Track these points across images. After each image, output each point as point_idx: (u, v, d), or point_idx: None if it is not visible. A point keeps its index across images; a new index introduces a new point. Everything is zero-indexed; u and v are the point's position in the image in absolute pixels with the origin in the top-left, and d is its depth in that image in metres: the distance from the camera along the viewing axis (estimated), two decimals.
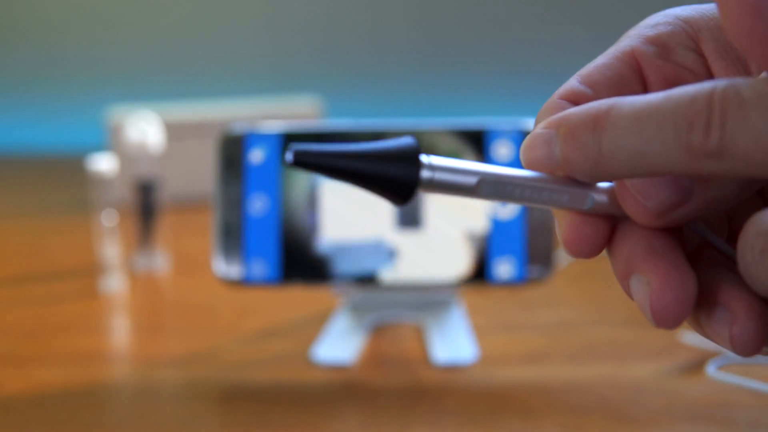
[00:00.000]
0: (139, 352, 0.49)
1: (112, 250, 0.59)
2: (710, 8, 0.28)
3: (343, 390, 0.43)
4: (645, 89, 0.27)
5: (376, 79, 1.13)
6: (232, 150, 0.48)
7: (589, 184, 0.22)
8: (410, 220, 0.47)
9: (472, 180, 0.21)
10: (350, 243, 0.47)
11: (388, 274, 0.47)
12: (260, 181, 0.48)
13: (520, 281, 0.46)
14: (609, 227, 0.23)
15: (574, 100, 0.26)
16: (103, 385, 0.44)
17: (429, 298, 0.51)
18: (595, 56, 0.29)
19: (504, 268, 0.46)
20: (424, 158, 0.20)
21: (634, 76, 0.27)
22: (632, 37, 0.28)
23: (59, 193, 0.89)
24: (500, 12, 1.11)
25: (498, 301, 0.56)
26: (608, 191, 0.22)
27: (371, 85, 1.13)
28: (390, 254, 0.47)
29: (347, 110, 1.08)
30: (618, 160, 0.21)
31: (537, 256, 0.46)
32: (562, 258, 0.62)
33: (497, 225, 0.46)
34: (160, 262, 0.65)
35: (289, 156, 0.19)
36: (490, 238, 0.46)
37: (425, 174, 0.20)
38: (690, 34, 0.28)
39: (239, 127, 0.49)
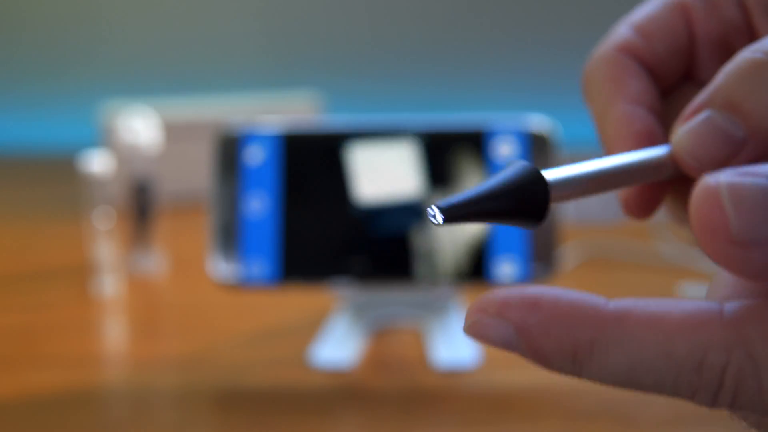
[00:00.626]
0: (134, 354, 0.49)
1: (106, 250, 0.59)
2: None
3: (342, 394, 0.43)
4: (693, 42, 0.27)
5: (376, 73, 1.13)
6: (229, 150, 0.48)
7: (663, 154, 0.23)
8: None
9: (589, 185, 0.21)
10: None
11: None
12: (257, 182, 0.47)
13: (522, 281, 0.46)
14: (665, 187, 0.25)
15: (633, 52, 0.26)
16: (97, 389, 0.44)
17: (429, 299, 0.51)
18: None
19: (505, 268, 0.46)
20: (548, 178, 0.20)
21: (683, 28, 0.27)
22: None
23: (51, 193, 0.89)
24: (502, 6, 1.11)
25: None
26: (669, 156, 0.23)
27: (371, 80, 1.12)
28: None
29: (347, 105, 1.07)
30: (603, 382, 0.19)
31: (539, 255, 0.46)
32: (566, 259, 0.62)
33: (498, 225, 0.46)
34: (155, 263, 0.64)
35: (438, 218, 0.20)
36: (491, 237, 0.46)
37: (553, 194, 0.21)
38: None
39: (236, 127, 0.48)
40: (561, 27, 1.11)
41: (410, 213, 0.47)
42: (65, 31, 1.09)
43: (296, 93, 0.90)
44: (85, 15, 1.09)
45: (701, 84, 0.28)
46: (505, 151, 0.47)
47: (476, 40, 1.13)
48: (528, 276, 0.46)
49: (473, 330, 0.19)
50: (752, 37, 0.27)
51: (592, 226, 0.66)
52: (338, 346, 0.47)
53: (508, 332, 0.19)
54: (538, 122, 0.47)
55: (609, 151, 0.26)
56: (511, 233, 0.46)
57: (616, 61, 0.26)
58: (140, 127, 0.63)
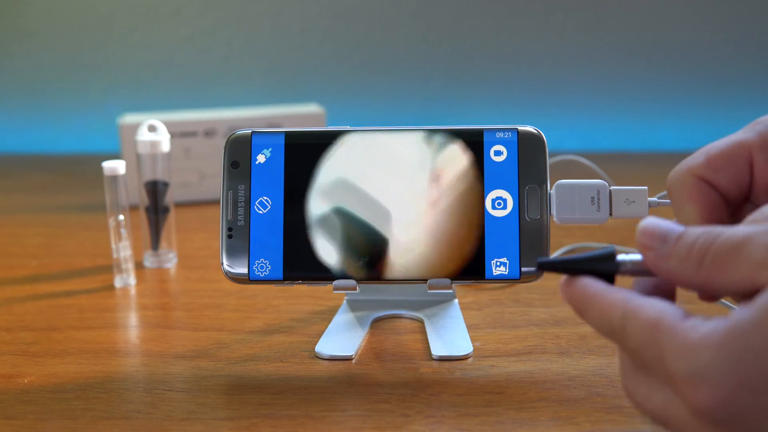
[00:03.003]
0: (149, 346, 0.51)
1: (124, 248, 0.61)
2: None
3: (345, 383, 0.45)
4: (752, 178, 0.35)
5: (379, 89, 1.15)
6: (239, 151, 0.49)
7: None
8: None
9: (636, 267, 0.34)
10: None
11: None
12: (266, 181, 0.49)
13: (514, 278, 0.47)
14: None
15: (702, 178, 0.35)
16: (115, 378, 0.46)
17: (428, 296, 0.53)
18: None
19: (499, 266, 0.47)
20: (619, 260, 0.34)
21: (745, 166, 0.35)
22: (754, 131, 0.35)
23: (75, 195, 0.91)
24: (500, 21, 1.12)
25: (493, 298, 0.57)
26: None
27: (374, 95, 1.15)
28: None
29: (353, 118, 1.10)
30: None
31: (531, 253, 0.47)
32: (557, 254, 0.63)
33: (492, 223, 0.47)
34: (170, 259, 0.66)
35: (536, 271, 0.38)
36: (485, 235, 0.47)
37: (620, 270, 0.34)
38: None
39: (246, 129, 0.50)
40: (558, 43, 1.13)
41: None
42: (93, 53, 1.16)
43: (301, 107, 0.92)
44: (112, 40, 1.16)
45: (757, 206, 0.36)
46: (499, 158, 0.48)
47: (476, 56, 1.14)
48: (520, 273, 0.47)
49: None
50: None
51: (588, 226, 0.68)
52: (341, 338, 0.49)
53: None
54: (533, 131, 0.49)
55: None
56: (506, 233, 0.47)
57: (686, 181, 0.36)
58: (156, 135, 0.65)
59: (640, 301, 0.30)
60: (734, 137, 0.36)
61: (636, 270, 0.34)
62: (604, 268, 0.33)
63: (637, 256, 0.34)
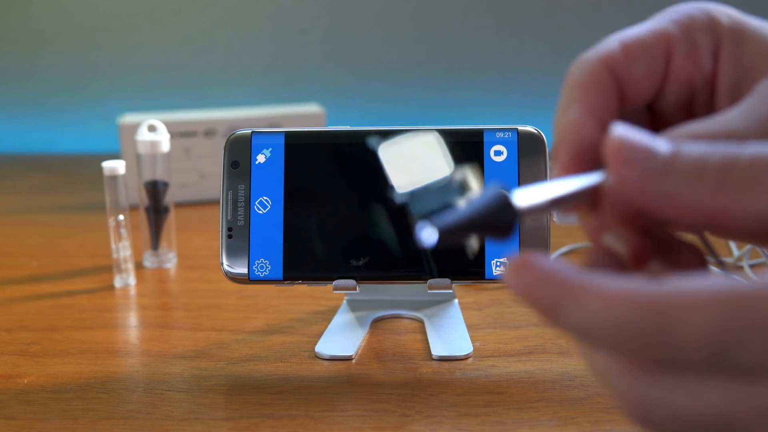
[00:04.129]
0: (149, 346, 0.51)
1: (124, 248, 0.61)
2: (745, 21, 0.30)
3: (345, 383, 0.45)
4: (666, 75, 0.29)
5: (381, 86, 1.15)
6: (239, 151, 0.50)
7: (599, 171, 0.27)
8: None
9: (551, 206, 0.26)
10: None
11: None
12: (266, 181, 0.49)
13: None
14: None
15: (612, 66, 0.29)
16: (115, 378, 0.46)
17: (429, 296, 0.53)
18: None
19: (499, 265, 0.47)
20: (515, 201, 0.25)
21: (663, 59, 0.29)
22: (672, 21, 0.30)
23: (75, 195, 0.91)
24: (500, 21, 1.12)
25: (493, 298, 0.57)
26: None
27: (376, 92, 1.15)
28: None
29: (352, 118, 1.10)
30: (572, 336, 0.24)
31: (532, 249, 0.47)
32: (557, 253, 0.63)
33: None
34: (170, 259, 0.66)
35: (430, 239, 0.24)
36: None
37: (519, 211, 0.25)
38: (715, 36, 0.29)
39: (246, 129, 0.50)
40: (558, 37, 1.13)
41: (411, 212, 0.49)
42: (94, 55, 1.16)
43: (301, 107, 0.92)
44: (113, 42, 1.16)
45: (657, 114, 0.31)
46: (499, 158, 0.48)
47: (476, 56, 1.14)
48: None
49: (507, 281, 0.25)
50: (711, 94, 0.29)
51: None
52: (341, 338, 0.49)
53: (514, 287, 0.24)
54: (532, 132, 0.49)
55: (553, 151, 0.28)
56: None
57: (594, 69, 0.29)
58: (156, 135, 0.66)
59: (682, 283, 0.22)
60: (651, 26, 0.30)
61: (566, 201, 0.26)
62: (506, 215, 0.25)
63: (580, 181, 0.26)
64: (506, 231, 0.25)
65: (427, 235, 0.24)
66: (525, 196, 0.25)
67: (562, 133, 0.28)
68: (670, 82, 0.30)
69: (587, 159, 0.27)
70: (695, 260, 0.27)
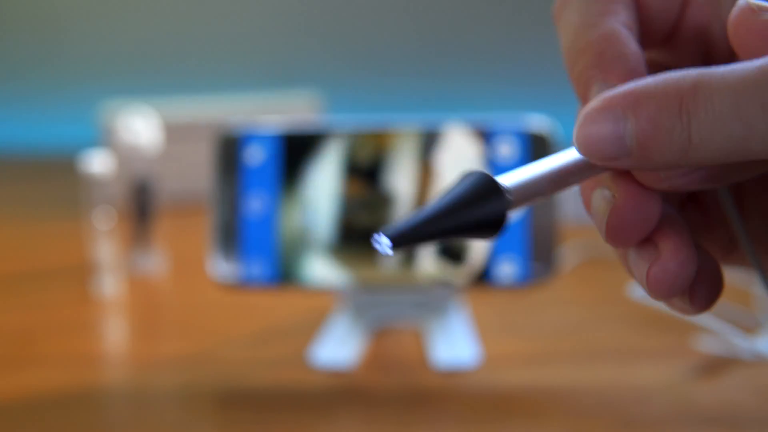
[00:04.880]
0: (135, 354, 0.49)
1: (106, 250, 0.59)
2: None
3: (342, 394, 0.43)
4: (682, 15, 0.25)
5: (376, 72, 1.13)
6: (229, 150, 0.48)
7: None
8: None
9: (545, 187, 0.21)
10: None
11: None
12: (257, 182, 0.48)
13: (522, 282, 0.46)
14: (658, 209, 0.21)
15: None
16: (98, 389, 0.44)
17: (428, 299, 0.51)
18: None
19: (505, 268, 0.46)
20: (504, 186, 0.20)
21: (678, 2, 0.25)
22: None
23: (51, 192, 0.89)
24: (504, 5, 1.11)
25: (502, 303, 0.55)
26: None
27: (372, 78, 1.12)
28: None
29: (347, 105, 1.07)
30: (712, 149, 0.18)
31: (539, 255, 0.45)
32: (568, 260, 0.62)
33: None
34: (156, 263, 0.64)
35: (385, 247, 0.19)
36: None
37: (509, 200, 0.20)
38: None
39: (236, 128, 0.48)
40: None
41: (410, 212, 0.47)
42: (66, 29, 1.09)
43: (297, 92, 0.90)
44: (85, 14, 1.09)
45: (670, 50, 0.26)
46: (506, 151, 0.46)
47: (477, 39, 1.13)
48: (528, 276, 0.46)
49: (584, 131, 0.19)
50: (731, 53, 0.23)
51: (591, 225, 0.66)
52: (338, 346, 0.47)
53: (616, 113, 0.19)
54: (538, 122, 0.47)
55: (581, 76, 0.23)
56: (511, 233, 0.46)
57: (614, 35, 0.23)
58: (140, 126, 0.63)
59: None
60: None
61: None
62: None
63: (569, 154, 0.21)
64: (495, 227, 0.20)
65: (381, 246, 0.19)
66: (515, 177, 0.20)
67: (597, 49, 0.22)
68: (684, 25, 0.25)
69: (640, 73, 0.22)
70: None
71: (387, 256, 0.19)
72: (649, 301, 0.50)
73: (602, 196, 0.21)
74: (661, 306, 0.51)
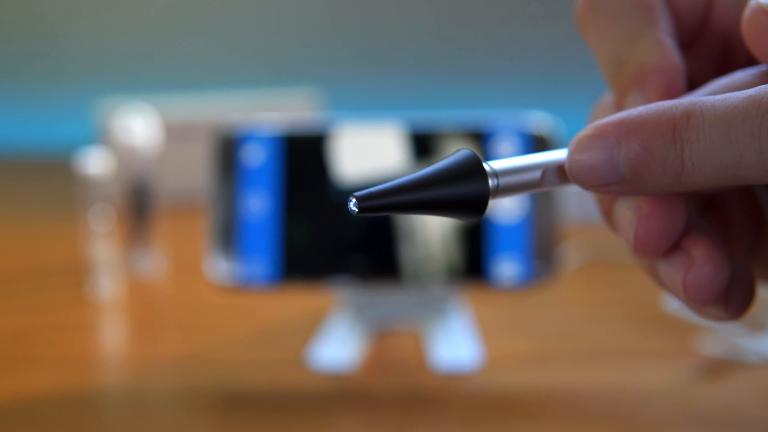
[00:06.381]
0: (132, 355, 0.48)
1: (103, 251, 0.58)
2: None
3: (342, 396, 0.42)
4: (705, 21, 0.24)
5: (375, 69, 1.12)
6: (227, 150, 0.48)
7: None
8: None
9: (537, 175, 0.20)
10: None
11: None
12: (255, 182, 0.47)
13: (522, 282, 0.45)
14: (684, 216, 0.21)
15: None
16: (95, 390, 0.43)
17: (428, 300, 0.50)
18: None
19: (506, 267, 0.45)
20: (488, 168, 0.19)
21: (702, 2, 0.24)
22: None
23: (48, 192, 0.88)
24: (503, 4, 1.11)
25: (503, 304, 0.55)
26: None
27: (371, 76, 1.12)
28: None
29: (347, 102, 1.06)
30: (704, 174, 0.19)
31: (540, 254, 0.45)
32: (568, 260, 0.61)
33: (499, 224, 0.45)
34: (154, 263, 0.64)
35: (353, 206, 0.19)
36: (490, 235, 0.45)
37: (493, 183, 0.19)
38: None
39: (234, 127, 0.48)
40: (562, 22, 1.11)
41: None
42: (62, 26, 1.08)
43: (296, 89, 0.90)
44: (82, 11, 1.08)
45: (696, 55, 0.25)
46: (506, 150, 0.46)
47: (477, 36, 1.12)
48: (529, 275, 0.45)
49: (578, 158, 0.20)
50: (750, 58, 0.24)
51: (593, 226, 0.66)
52: (337, 347, 0.47)
53: (609, 141, 0.19)
54: (539, 120, 0.47)
55: (624, 87, 0.22)
56: (511, 232, 0.46)
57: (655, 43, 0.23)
58: (138, 125, 0.62)
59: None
60: None
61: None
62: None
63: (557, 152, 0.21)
64: (475, 208, 0.19)
65: (351, 206, 0.19)
66: (504, 163, 0.20)
67: (645, 56, 0.22)
68: (708, 30, 0.25)
69: (679, 89, 0.22)
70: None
71: (356, 215, 0.19)
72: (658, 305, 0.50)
73: (627, 206, 0.22)
74: (664, 307, 0.50)
